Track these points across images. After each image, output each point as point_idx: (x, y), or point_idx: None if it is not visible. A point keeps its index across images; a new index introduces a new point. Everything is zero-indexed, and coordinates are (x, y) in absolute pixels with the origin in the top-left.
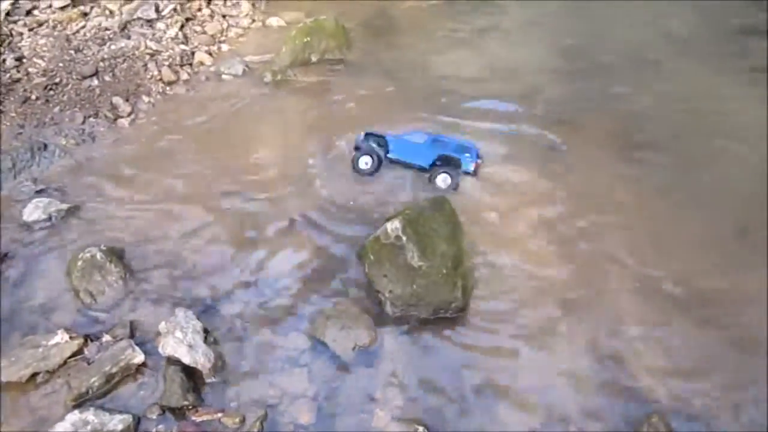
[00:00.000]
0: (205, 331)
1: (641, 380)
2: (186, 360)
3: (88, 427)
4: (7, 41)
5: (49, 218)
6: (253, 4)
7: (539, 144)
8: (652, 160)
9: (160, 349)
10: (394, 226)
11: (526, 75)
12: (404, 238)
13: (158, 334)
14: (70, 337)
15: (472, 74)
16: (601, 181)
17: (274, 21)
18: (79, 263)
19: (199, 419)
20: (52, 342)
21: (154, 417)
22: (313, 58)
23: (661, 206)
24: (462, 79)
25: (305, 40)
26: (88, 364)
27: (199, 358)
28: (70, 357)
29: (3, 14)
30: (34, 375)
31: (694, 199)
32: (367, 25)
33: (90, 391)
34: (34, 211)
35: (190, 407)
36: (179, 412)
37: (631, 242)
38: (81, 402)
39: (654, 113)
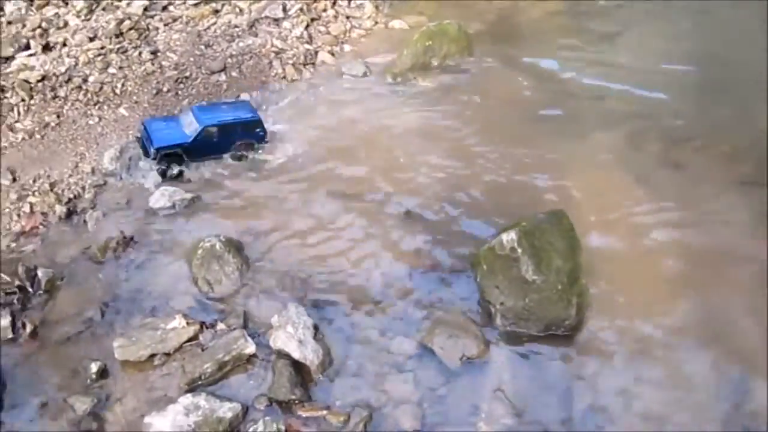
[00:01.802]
0: (315, 327)
1: None
2: (295, 355)
3: (199, 412)
4: (144, 35)
5: (173, 206)
6: (377, 6)
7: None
8: None
9: (270, 342)
10: (509, 237)
11: (649, 87)
12: (519, 251)
13: (270, 327)
14: (187, 323)
15: (593, 84)
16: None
17: (396, 23)
18: (199, 252)
19: (305, 414)
20: (170, 326)
21: (262, 408)
22: (434, 62)
23: None
24: (584, 91)
25: (427, 43)
26: (203, 350)
27: (309, 354)
28: (186, 342)
29: (141, 9)
30: (152, 356)
31: None
32: (490, 31)
33: (203, 377)
34: (160, 199)
35: (297, 401)
36: (286, 406)
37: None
38: (194, 386)
39: None
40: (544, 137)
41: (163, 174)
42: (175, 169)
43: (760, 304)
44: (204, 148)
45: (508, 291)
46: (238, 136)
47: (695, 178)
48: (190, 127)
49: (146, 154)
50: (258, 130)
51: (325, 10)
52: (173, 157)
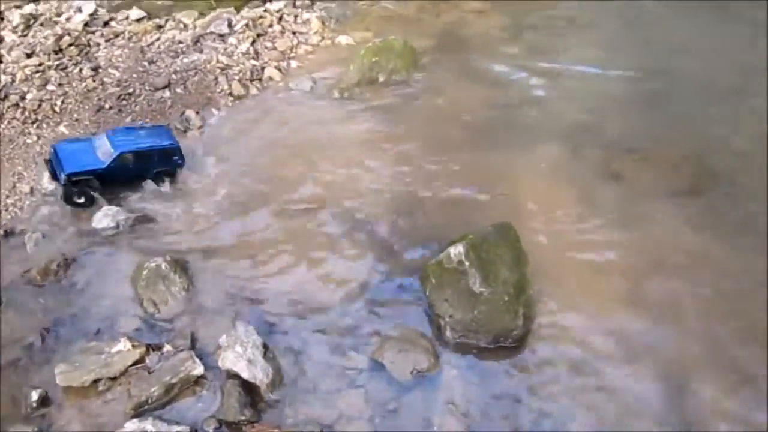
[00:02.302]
0: (265, 346)
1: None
2: (245, 375)
3: None
4: (85, 51)
5: (117, 226)
6: (323, 22)
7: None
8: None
9: (219, 363)
10: (457, 250)
11: (593, 98)
12: (467, 263)
13: (218, 347)
14: (133, 346)
15: (536, 95)
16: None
17: (343, 39)
18: (145, 272)
19: None
20: (114, 349)
21: (211, 430)
22: (381, 78)
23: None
24: (527, 102)
25: (373, 59)
26: (149, 373)
27: (258, 373)
28: (131, 365)
29: (81, 24)
30: (96, 381)
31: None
32: (435, 46)
33: (149, 401)
34: (102, 219)
35: (247, 422)
36: (236, 427)
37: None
38: (140, 411)
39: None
40: (489, 149)
41: (67, 199)
42: (82, 198)
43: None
44: (119, 174)
45: (457, 304)
46: (154, 163)
47: (635, 189)
48: (104, 152)
49: (55, 178)
50: (176, 157)
51: (271, 26)
52: (83, 183)
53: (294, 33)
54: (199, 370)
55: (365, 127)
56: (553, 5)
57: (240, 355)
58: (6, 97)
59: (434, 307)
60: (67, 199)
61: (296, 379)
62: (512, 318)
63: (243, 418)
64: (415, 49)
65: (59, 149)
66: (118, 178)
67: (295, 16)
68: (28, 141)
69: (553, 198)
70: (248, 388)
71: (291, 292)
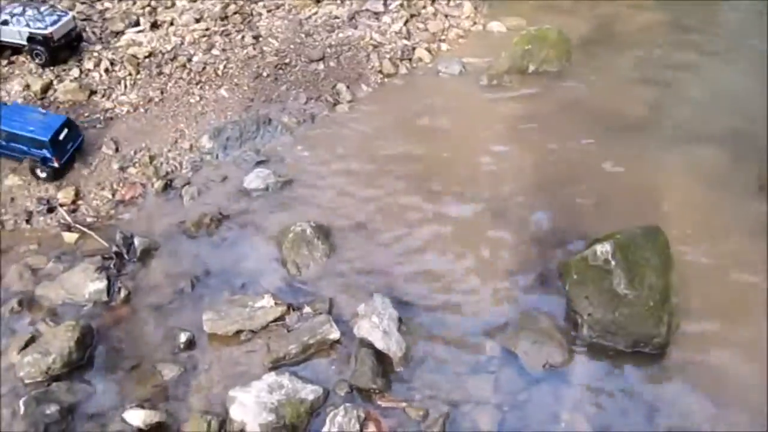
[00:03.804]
0: (400, 320)
1: None
2: (379, 345)
3: (282, 391)
4: (248, 20)
5: (267, 188)
6: (476, 7)
7: None
8: None
9: (355, 330)
10: (604, 249)
11: (752, 104)
12: (613, 263)
13: (355, 315)
14: (275, 303)
15: (694, 97)
16: None
17: (495, 25)
18: (290, 235)
19: (384, 404)
20: (258, 304)
21: (342, 394)
22: (531, 67)
23: None
24: (684, 104)
25: (526, 47)
26: (288, 331)
27: (392, 345)
28: (272, 321)
29: None
30: (239, 332)
31: None
32: (589, 38)
33: (287, 357)
34: (254, 180)
35: (378, 391)
36: (366, 394)
37: None
38: (277, 365)
39: None
40: (642, 148)
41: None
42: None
43: None
44: None
45: (598, 303)
46: (22, 150)
47: None
48: None
49: None
50: (43, 150)
51: (425, 7)
52: None
53: (446, 16)
54: (335, 334)
55: (512, 115)
56: (718, 5)
57: (376, 326)
58: (175, 57)
59: (573, 303)
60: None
61: (427, 356)
62: (655, 324)
63: (374, 386)
64: (568, 40)
65: None
66: None
67: (449, 0)
68: (191, 101)
69: (708, 206)
70: (381, 358)
71: (430, 272)
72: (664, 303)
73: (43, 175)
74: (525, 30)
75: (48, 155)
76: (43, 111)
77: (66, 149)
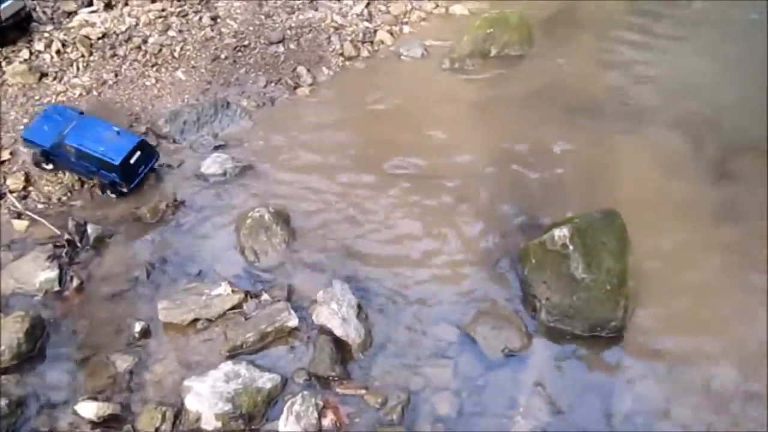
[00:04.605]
0: (359, 306)
1: None
2: (338, 332)
3: (239, 380)
4: (205, 0)
5: (224, 174)
6: None
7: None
8: None
9: (313, 317)
10: (561, 233)
11: (715, 90)
12: (571, 248)
13: (314, 302)
14: (233, 291)
15: (653, 80)
16: None
17: (457, 9)
18: (248, 221)
19: (343, 391)
20: (215, 292)
21: (301, 382)
22: (493, 51)
23: None
24: (643, 87)
25: (488, 31)
26: (246, 319)
27: (351, 332)
28: (229, 309)
29: None
30: (195, 321)
31: None
32: (550, 22)
33: (244, 345)
34: (211, 165)
35: (336, 379)
36: (324, 382)
37: None
38: (234, 354)
39: None
40: (601, 132)
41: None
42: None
43: None
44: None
45: (556, 287)
46: (90, 170)
47: (751, 191)
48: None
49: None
50: (113, 173)
51: None
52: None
53: None
54: (293, 322)
55: (473, 99)
56: None
57: (335, 313)
58: (130, 39)
59: (531, 287)
60: (37, 164)
61: (386, 342)
62: (612, 308)
63: (332, 373)
64: (530, 24)
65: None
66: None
67: None
68: (147, 83)
69: (665, 191)
70: (339, 345)
71: (388, 257)
72: (621, 287)
73: (113, 195)
74: (487, 13)
75: (117, 180)
76: (118, 129)
77: (137, 173)
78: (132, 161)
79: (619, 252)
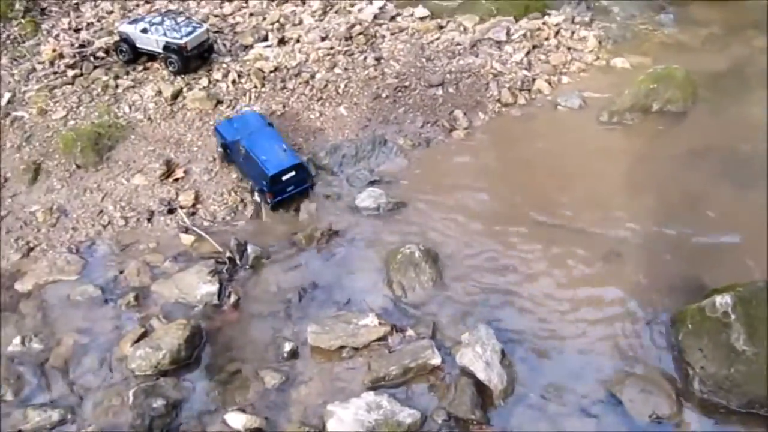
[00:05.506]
0: (503, 352)
1: None
2: (480, 376)
3: (380, 411)
4: (371, 41)
5: (378, 208)
6: (600, 42)
7: None
8: None
9: (457, 358)
10: (724, 300)
11: None
12: (733, 317)
13: (458, 343)
14: (379, 323)
15: None
16: None
17: (618, 62)
18: (399, 257)
19: None
20: (362, 322)
21: (439, 421)
22: (655, 106)
23: None
24: None
25: (651, 86)
26: (390, 352)
27: (494, 377)
28: (375, 340)
29: (371, 16)
30: (341, 348)
31: None
32: (717, 80)
33: (386, 378)
34: (366, 199)
35: (475, 422)
36: (464, 424)
37: None
38: (376, 385)
39: None
40: (765, 197)
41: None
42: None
43: None
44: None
45: (713, 356)
46: (249, 172)
47: None
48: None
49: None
50: (263, 182)
51: (547, 39)
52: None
53: (569, 49)
54: (436, 360)
55: (630, 153)
56: None
57: (479, 356)
58: (299, 73)
59: (685, 353)
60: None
61: (528, 392)
62: None
63: (472, 416)
64: (695, 81)
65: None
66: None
67: (573, 32)
68: (311, 116)
69: None
70: (480, 389)
71: (537, 307)
72: None
73: (258, 199)
74: (651, 68)
75: (264, 188)
76: (286, 146)
77: (284, 190)
78: (284, 178)
79: None
